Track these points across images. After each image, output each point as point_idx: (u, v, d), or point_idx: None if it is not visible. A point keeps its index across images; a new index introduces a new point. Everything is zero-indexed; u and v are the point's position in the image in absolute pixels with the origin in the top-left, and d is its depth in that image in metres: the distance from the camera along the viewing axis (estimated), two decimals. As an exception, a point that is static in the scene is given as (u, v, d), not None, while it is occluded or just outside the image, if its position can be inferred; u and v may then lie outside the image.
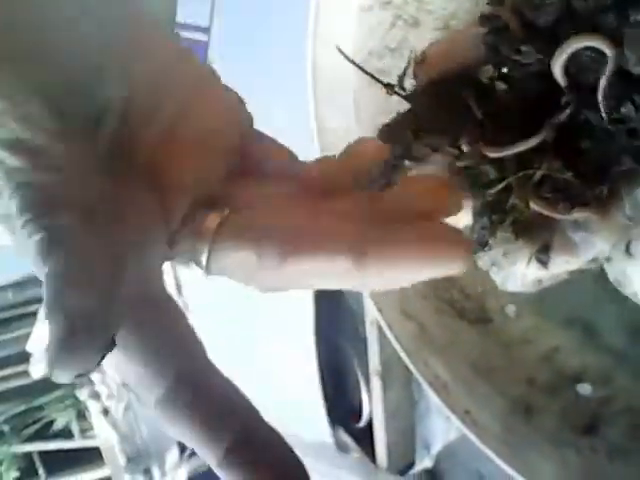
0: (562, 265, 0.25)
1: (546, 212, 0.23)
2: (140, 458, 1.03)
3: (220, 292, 0.80)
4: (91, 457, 1.14)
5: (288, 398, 0.76)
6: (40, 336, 0.90)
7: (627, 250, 0.23)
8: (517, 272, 0.26)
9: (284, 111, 0.57)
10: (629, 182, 0.22)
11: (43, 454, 1.18)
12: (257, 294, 0.71)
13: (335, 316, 0.68)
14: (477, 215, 0.23)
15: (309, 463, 0.60)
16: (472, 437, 0.31)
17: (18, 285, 1.17)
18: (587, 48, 0.21)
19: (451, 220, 0.22)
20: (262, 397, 0.78)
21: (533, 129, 0.22)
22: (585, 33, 0.20)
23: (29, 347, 0.91)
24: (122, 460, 1.02)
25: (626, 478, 0.29)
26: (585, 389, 0.33)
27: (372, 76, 0.25)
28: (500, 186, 0.22)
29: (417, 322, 0.34)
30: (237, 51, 0.62)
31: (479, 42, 0.23)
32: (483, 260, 0.26)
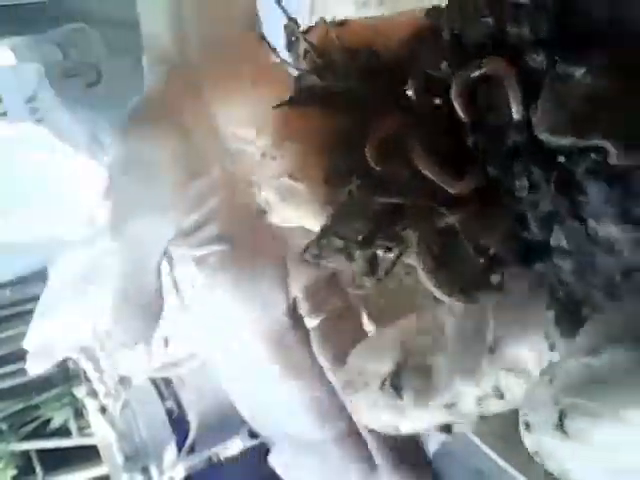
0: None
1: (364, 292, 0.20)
2: (138, 456, 1.03)
3: (216, 290, 0.80)
4: (89, 455, 1.14)
5: (285, 396, 0.75)
6: (37, 334, 0.90)
7: (560, 426, 0.15)
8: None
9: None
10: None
11: (40, 452, 1.18)
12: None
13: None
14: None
15: (311, 462, 0.59)
16: (468, 432, 0.31)
17: (16, 283, 1.17)
18: (493, 81, 0.16)
19: None
20: (260, 395, 0.78)
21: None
22: (494, 60, 0.16)
23: (26, 345, 0.91)
24: (120, 458, 1.02)
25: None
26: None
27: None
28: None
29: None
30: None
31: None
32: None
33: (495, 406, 0.20)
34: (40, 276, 1.07)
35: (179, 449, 1.04)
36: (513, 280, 0.17)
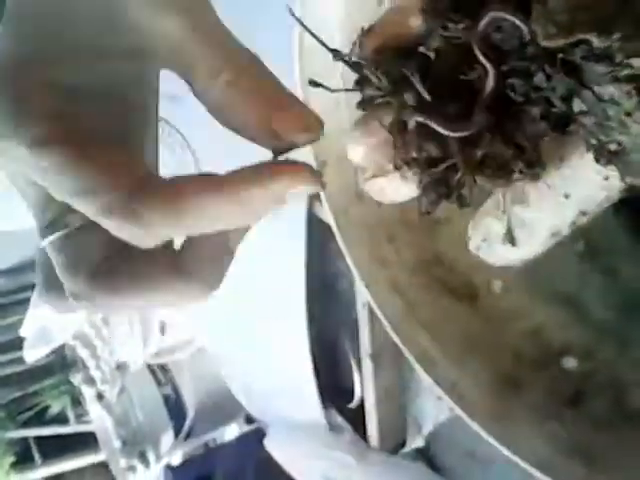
0: (528, 242, 0.26)
1: (492, 186, 0.24)
2: (135, 442, 1.04)
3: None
4: (87, 442, 1.15)
5: (281, 381, 0.76)
6: (33, 321, 0.90)
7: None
8: (497, 251, 0.27)
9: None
10: (554, 152, 0.24)
11: (39, 439, 1.19)
12: (249, 279, 0.72)
13: (326, 298, 0.68)
14: (424, 189, 0.24)
15: (304, 445, 0.61)
16: (459, 411, 0.32)
17: (11, 272, 1.17)
18: (503, 19, 0.22)
19: (392, 193, 0.24)
20: (255, 380, 0.78)
21: (469, 104, 0.23)
22: (497, 4, 0.21)
23: (23, 332, 0.91)
24: (117, 444, 1.03)
25: (610, 449, 0.30)
26: (570, 363, 0.34)
27: (321, 42, 0.25)
28: (444, 165, 0.23)
29: (405, 297, 0.35)
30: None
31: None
32: (470, 245, 0.28)
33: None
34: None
35: (176, 434, 1.04)
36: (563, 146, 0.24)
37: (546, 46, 0.21)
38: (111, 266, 0.21)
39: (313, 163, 0.37)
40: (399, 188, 0.24)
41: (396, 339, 0.34)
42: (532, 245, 0.26)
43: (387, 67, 0.24)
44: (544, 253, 0.34)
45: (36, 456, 1.20)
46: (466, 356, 0.33)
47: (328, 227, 0.38)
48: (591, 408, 0.31)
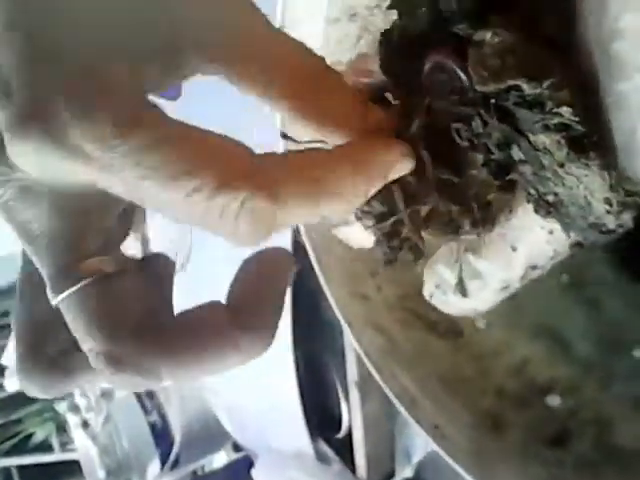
0: (479, 293, 0.26)
1: (440, 240, 0.25)
2: (120, 471, 1.02)
3: (198, 302, 0.79)
4: (71, 470, 1.13)
5: (268, 410, 0.75)
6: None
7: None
8: (450, 300, 0.26)
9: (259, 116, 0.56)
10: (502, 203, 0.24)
11: (22, 468, 1.17)
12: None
13: (313, 327, 0.67)
14: (376, 242, 0.25)
15: (294, 475, 0.60)
16: (441, 452, 0.31)
17: (-6, 297, 1.15)
18: (443, 64, 0.22)
19: (358, 240, 0.24)
20: (242, 409, 0.77)
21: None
22: (437, 49, 0.22)
23: (4, 360, 0.90)
24: (102, 473, 1.01)
25: (592, 491, 0.29)
26: (554, 400, 0.33)
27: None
28: (391, 220, 0.23)
29: (386, 335, 0.34)
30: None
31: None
32: (424, 290, 0.27)
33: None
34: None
35: (162, 463, 1.03)
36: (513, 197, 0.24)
37: (481, 91, 0.21)
38: (158, 321, 0.18)
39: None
40: (363, 236, 0.24)
41: (377, 377, 0.33)
42: (484, 297, 0.26)
43: None
44: (527, 287, 0.33)
45: (19, 485, 1.18)
46: (447, 395, 0.33)
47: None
48: (574, 448, 0.31)
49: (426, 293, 0.28)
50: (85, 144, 0.15)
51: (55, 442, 1.16)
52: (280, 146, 0.35)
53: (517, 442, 0.31)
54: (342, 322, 0.35)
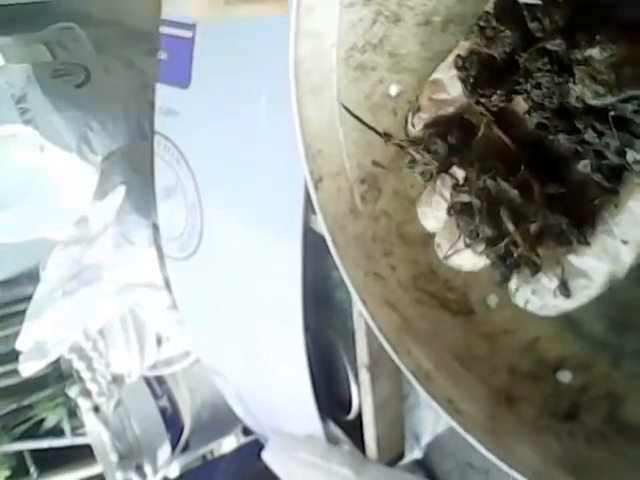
0: (584, 291, 0.26)
1: (555, 255, 0.25)
2: (132, 455, 1.04)
3: (208, 289, 0.80)
4: (83, 455, 1.14)
5: (278, 393, 0.76)
6: (29, 334, 0.89)
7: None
8: (549, 303, 0.27)
9: (268, 104, 0.57)
10: (608, 202, 0.25)
11: (34, 453, 1.18)
12: (244, 290, 0.72)
13: (323, 309, 0.68)
14: (492, 265, 0.26)
15: (305, 457, 0.60)
16: (455, 425, 0.32)
17: (6, 283, 1.16)
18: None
19: (470, 266, 0.24)
20: (251, 393, 0.78)
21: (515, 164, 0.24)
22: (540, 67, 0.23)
23: (18, 345, 0.91)
24: (114, 457, 1.02)
25: (603, 462, 0.30)
26: (565, 376, 0.34)
27: (374, 129, 0.27)
28: (503, 243, 0.25)
29: (400, 313, 0.35)
30: (222, 47, 0.62)
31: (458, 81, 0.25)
32: (517, 298, 0.28)
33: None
34: (31, 276, 1.06)
35: (173, 447, 1.04)
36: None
37: (595, 105, 0.21)
38: None
39: (308, 178, 0.38)
40: (475, 260, 0.26)
41: (391, 354, 0.34)
42: (587, 294, 0.26)
43: (434, 144, 0.26)
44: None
45: (31, 469, 1.19)
46: (461, 371, 0.34)
47: (324, 238, 0.38)
48: (585, 422, 0.32)
49: (519, 301, 0.28)
50: None
51: (67, 427, 1.18)
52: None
53: (530, 416, 0.32)
54: (357, 301, 0.35)
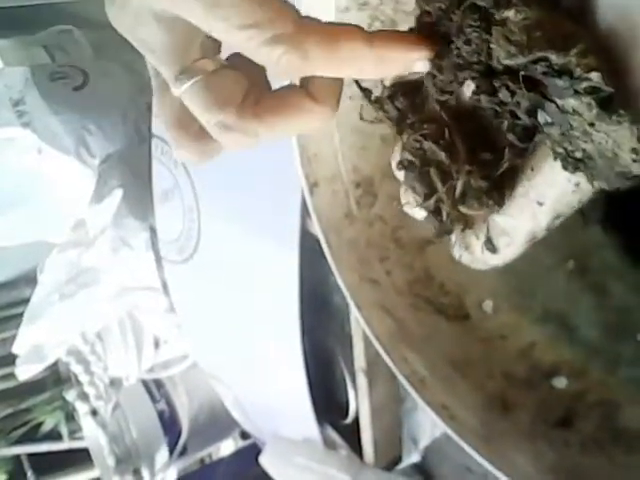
0: (507, 248, 0.28)
1: (476, 213, 0.27)
2: (129, 459, 1.03)
3: (206, 292, 0.80)
4: (80, 459, 1.14)
5: (275, 397, 0.76)
6: (26, 338, 0.89)
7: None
8: (478, 258, 0.28)
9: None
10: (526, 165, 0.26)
11: (32, 456, 1.18)
12: (241, 294, 0.72)
13: (320, 314, 0.68)
14: (426, 218, 0.28)
15: (301, 462, 0.60)
16: (449, 432, 0.32)
17: (3, 286, 1.16)
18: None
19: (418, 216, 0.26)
20: (249, 396, 0.78)
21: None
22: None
23: (15, 349, 0.90)
24: (111, 461, 1.02)
25: (597, 470, 0.30)
26: (560, 382, 0.34)
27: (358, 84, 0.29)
28: (433, 199, 0.26)
29: (395, 318, 0.35)
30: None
31: None
32: (454, 251, 0.29)
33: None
34: (29, 279, 1.06)
35: (171, 451, 1.04)
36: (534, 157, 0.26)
37: (507, 64, 0.22)
38: (256, 97, 0.24)
39: (304, 183, 0.38)
40: (422, 214, 0.28)
41: (386, 359, 0.34)
42: (511, 250, 0.28)
43: (386, 105, 0.28)
44: (533, 273, 0.34)
45: (29, 473, 1.19)
46: (456, 376, 0.33)
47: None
48: (580, 428, 0.32)
49: (455, 254, 0.29)
50: None
51: (64, 430, 1.18)
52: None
53: (524, 423, 0.32)
54: (352, 306, 0.35)
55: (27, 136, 0.84)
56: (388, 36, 0.25)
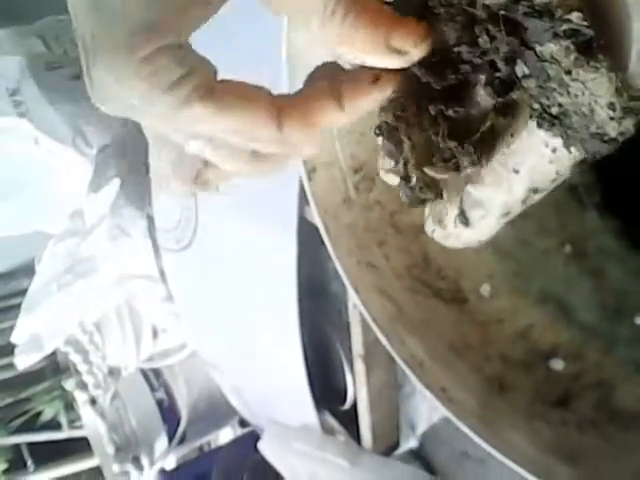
0: (481, 221, 0.26)
1: (440, 177, 0.25)
2: (129, 447, 1.04)
3: (204, 281, 0.80)
4: (80, 447, 1.15)
5: (273, 384, 0.76)
6: (25, 327, 0.89)
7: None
8: (451, 232, 0.27)
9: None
10: (504, 131, 0.24)
11: (31, 445, 1.19)
12: (239, 282, 0.72)
13: (318, 300, 0.68)
14: (399, 185, 0.26)
15: (300, 448, 0.61)
16: (448, 414, 0.32)
17: (1, 277, 1.16)
18: None
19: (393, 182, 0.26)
20: (247, 384, 0.78)
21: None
22: None
23: (14, 338, 0.91)
24: (110, 449, 1.02)
25: (594, 449, 0.30)
26: (558, 364, 0.34)
27: None
28: (400, 165, 0.25)
29: (394, 302, 0.35)
30: (210, 36, 0.62)
31: None
32: (426, 227, 0.28)
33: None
34: (27, 269, 1.06)
35: (170, 439, 1.04)
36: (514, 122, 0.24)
37: (489, 4, 0.21)
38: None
39: (302, 169, 0.38)
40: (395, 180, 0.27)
41: (385, 343, 0.34)
42: (486, 225, 0.26)
43: None
44: (531, 257, 0.34)
45: (28, 462, 1.19)
46: (454, 359, 0.34)
47: (318, 229, 0.38)
48: (577, 409, 0.32)
49: (428, 230, 0.28)
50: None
51: (63, 420, 1.18)
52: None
53: (522, 404, 0.32)
54: (350, 290, 0.35)
55: (24, 126, 0.83)
56: (354, 90, 0.24)
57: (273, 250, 0.65)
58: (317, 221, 0.37)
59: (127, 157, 0.87)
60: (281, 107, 0.24)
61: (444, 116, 0.24)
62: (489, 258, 0.37)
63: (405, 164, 0.25)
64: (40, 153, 0.85)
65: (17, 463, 1.19)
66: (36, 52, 0.92)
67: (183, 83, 0.22)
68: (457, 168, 0.25)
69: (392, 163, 0.26)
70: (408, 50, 0.23)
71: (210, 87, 0.23)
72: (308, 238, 0.61)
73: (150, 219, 0.86)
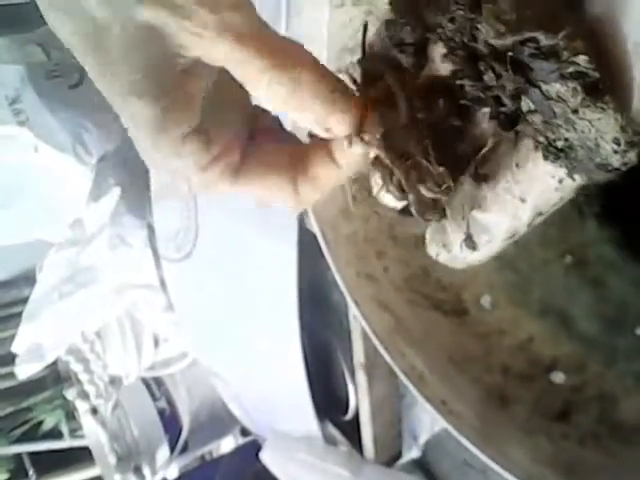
0: (487, 245, 0.27)
1: (461, 210, 0.27)
2: (130, 457, 1.03)
3: (204, 290, 0.80)
4: (81, 457, 1.14)
5: (275, 394, 0.76)
6: (26, 337, 0.89)
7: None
8: (457, 256, 0.28)
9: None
10: (510, 161, 0.25)
11: (33, 455, 1.18)
12: (240, 291, 0.72)
13: (319, 309, 0.68)
14: (388, 190, 0.27)
15: (302, 458, 0.60)
16: (448, 427, 0.32)
17: (2, 285, 1.16)
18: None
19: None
20: (248, 393, 0.78)
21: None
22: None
23: (15, 348, 0.90)
24: (112, 459, 1.02)
25: (595, 463, 0.30)
26: (558, 377, 0.34)
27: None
28: (395, 181, 0.26)
29: (393, 314, 0.35)
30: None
31: None
32: (430, 250, 0.29)
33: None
34: (28, 278, 1.06)
35: (171, 448, 1.04)
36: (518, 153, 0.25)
37: (495, 44, 0.22)
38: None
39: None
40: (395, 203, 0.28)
41: (385, 355, 0.34)
42: (491, 248, 0.27)
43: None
44: (532, 268, 0.34)
45: (30, 472, 1.19)
46: (454, 372, 0.34)
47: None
48: (578, 422, 0.32)
49: (432, 253, 0.29)
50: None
51: (65, 429, 1.18)
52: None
53: (523, 417, 0.32)
54: (349, 301, 0.35)
55: (24, 134, 0.83)
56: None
57: (274, 259, 0.65)
58: (316, 232, 0.37)
59: (127, 166, 0.87)
60: (296, 177, 0.25)
61: (433, 145, 0.25)
62: (489, 269, 0.37)
63: (399, 184, 0.26)
64: (40, 161, 0.85)
65: (19, 473, 1.18)
66: (36, 60, 0.92)
67: (210, 168, 0.23)
68: (446, 192, 0.25)
69: (384, 183, 0.27)
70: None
71: (235, 169, 0.24)
72: (309, 247, 0.61)
73: (151, 228, 0.86)
